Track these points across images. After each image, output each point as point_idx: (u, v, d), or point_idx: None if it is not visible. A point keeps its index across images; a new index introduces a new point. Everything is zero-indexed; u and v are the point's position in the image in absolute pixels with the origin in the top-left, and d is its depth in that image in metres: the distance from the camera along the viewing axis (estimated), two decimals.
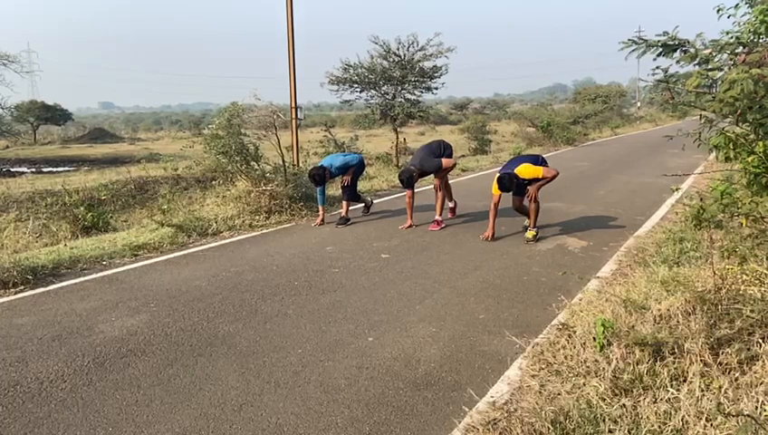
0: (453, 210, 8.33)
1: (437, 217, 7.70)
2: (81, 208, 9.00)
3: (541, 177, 6.65)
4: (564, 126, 22.00)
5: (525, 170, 6.66)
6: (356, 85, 15.03)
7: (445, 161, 7.69)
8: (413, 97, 15.22)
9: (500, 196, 6.77)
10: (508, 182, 6.58)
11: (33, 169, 25.59)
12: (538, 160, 6.93)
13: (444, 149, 7.88)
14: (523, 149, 17.46)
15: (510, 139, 25.42)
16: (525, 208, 6.95)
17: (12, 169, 25.22)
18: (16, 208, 10.96)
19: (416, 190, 7.91)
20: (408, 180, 7.58)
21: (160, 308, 4.87)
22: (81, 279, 5.79)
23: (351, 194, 8.24)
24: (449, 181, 8.12)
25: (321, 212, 8.17)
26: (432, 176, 8.00)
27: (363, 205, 8.73)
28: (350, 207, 8.25)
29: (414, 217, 7.78)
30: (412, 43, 14.43)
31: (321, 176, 7.88)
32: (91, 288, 5.49)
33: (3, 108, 33.53)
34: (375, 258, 6.29)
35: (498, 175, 6.70)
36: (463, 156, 18.23)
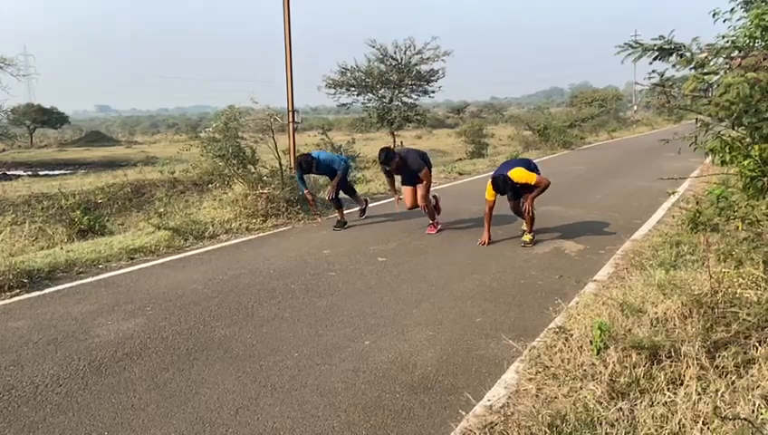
0: (436, 205, 7.96)
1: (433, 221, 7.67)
2: (78, 212, 8.99)
3: (533, 183, 6.65)
4: (561, 130, 22.09)
5: (518, 174, 6.66)
6: (353, 89, 15.09)
7: (425, 171, 7.42)
8: (410, 100, 15.30)
9: (494, 200, 6.76)
10: (502, 184, 6.58)
11: (30, 173, 25.60)
12: (530, 166, 6.93)
13: (427, 160, 7.68)
14: (520, 153, 17.50)
15: (507, 142, 25.48)
16: (522, 210, 6.95)
17: (8, 173, 25.22)
18: (12, 212, 10.96)
19: None
20: (385, 157, 7.32)
21: (157, 312, 4.86)
22: (78, 283, 5.77)
23: (343, 193, 8.24)
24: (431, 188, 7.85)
25: (308, 196, 8.22)
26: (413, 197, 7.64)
27: (359, 208, 8.74)
28: (346, 211, 8.25)
29: (411, 219, 7.76)
30: (409, 47, 14.51)
31: (308, 163, 7.92)
32: (87, 292, 5.47)
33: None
34: (372, 261, 6.29)
35: (492, 176, 6.71)
36: (460, 159, 18.27)
